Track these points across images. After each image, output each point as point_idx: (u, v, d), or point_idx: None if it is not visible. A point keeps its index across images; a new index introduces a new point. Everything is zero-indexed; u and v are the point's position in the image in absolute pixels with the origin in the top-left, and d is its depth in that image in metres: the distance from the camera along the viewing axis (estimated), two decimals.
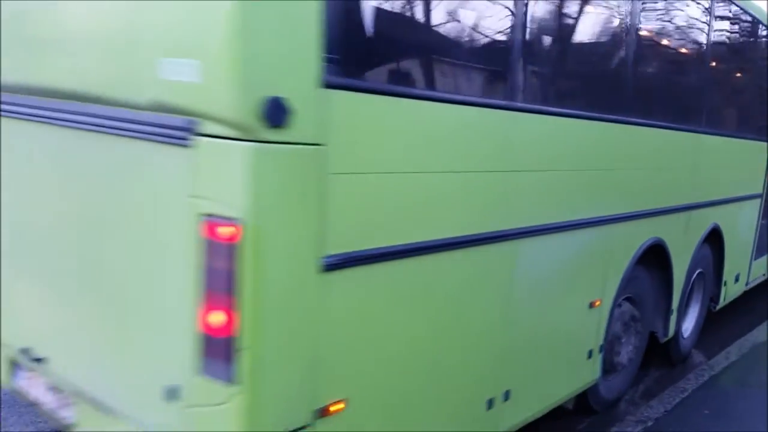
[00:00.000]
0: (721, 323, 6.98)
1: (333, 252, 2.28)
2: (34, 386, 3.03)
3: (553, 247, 3.64)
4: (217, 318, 2.10)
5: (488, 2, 3.00)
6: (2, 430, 3.94)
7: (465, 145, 2.86)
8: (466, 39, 3.03)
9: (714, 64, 5.61)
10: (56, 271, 2.82)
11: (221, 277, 2.08)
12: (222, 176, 2.06)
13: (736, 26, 6.05)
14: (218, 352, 2.13)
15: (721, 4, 5.38)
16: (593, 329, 4.23)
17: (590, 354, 4.24)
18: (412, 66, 2.83)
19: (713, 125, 5.65)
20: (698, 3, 5.01)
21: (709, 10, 5.15)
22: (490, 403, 3.33)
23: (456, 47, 2.96)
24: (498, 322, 3.30)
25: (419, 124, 2.61)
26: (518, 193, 3.22)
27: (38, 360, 2.88)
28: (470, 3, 2.92)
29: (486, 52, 3.09)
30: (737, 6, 5.70)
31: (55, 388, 2.89)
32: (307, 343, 2.28)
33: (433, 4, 2.71)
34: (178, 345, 2.24)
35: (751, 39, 6.50)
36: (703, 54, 5.32)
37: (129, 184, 2.39)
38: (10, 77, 2.85)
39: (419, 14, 2.74)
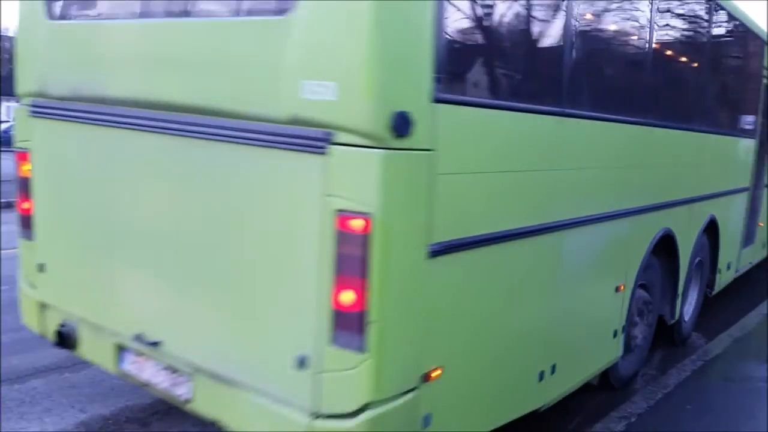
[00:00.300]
0: (717, 308, 7.53)
1: (438, 240, 2.71)
2: (144, 369, 3.40)
3: (589, 236, 4.11)
4: (349, 297, 2.52)
5: (549, 37, 3.55)
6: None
7: (536, 148, 3.39)
8: (537, 60, 3.64)
9: (711, 71, 6.27)
10: (174, 264, 3.19)
11: (353, 262, 2.49)
12: (355, 178, 2.48)
13: (734, 41, 6.80)
14: (350, 325, 2.54)
15: (722, 19, 6.00)
16: (618, 311, 4.70)
17: (615, 334, 4.71)
18: (500, 83, 3.42)
19: (710, 124, 6.28)
20: (703, 23, 5.60)
21: (710, 29, 5.73)
22: (541, 376, 3.77)
23: (530, 66, 3.54)
24: (549, 301, 3.77)
25: (506, 131, 3.13)
26: (568, 189, 3.72)
27: (153, 344, 3.24)
28: (538, 35, 3.53)
29: (551, 70, 3.62)
30: (736, 20, 6.42)
31: (169, 368, 3.26)
32: (417, 318, 2.71)
33: (512, 38, 3.35)
34: (308, 321, 2.64)
35: (744, 50, 7.27)
36: (704, 63, 5.96)
37: (260, 185, 2.76)
38: (124, 92, 3.24)
39: (502, 46, 3.35)
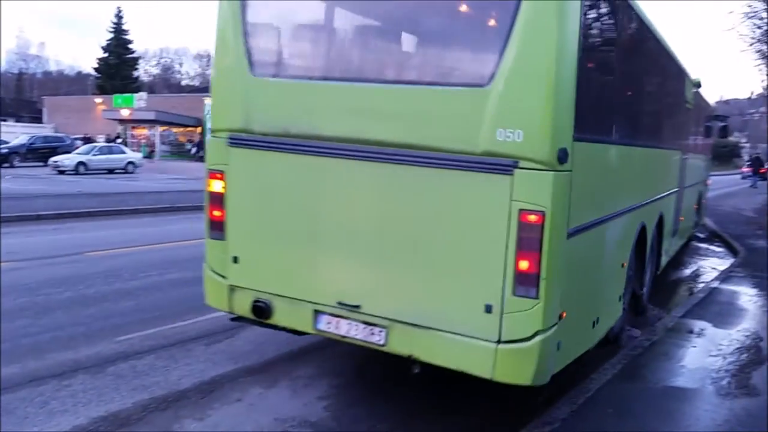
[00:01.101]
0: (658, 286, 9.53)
1: (572, 226, 4.35)
2: (340, 327, 4.73)
3: (618, 225, 5.94)
4: (526, 264, 4.07)
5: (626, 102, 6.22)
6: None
7: (617, 168, 5.82)
8: (621, 115, 5.99)
9: (669, 105, 9.09)
10: (376, 250, 4.54)
11: (531, 241, 4.05)
12: (533, 188, 4.03)
13: (675, 82, 9.45)
14: (528, 282, 4.07)
15: (672, 67, 8.89)
16: (621, 282, 6.47)
17: (620, 298, 6.46)
18: (602, 127, 5.25)
19: (665, 141, 8.58)
20: (663, 72, 8.37)
21: (666, 76, 8.60)
22: (594, 323, 5.44)
23: (617, 118, 5.81)
24: (606, 271, 5.81)
25: (603, 158, 5.23)
26: (620, 192, 6.04)
27: (355, 306, 4.60)
28: (623, 102, 6.11)
29: (628, 120, 6.26)
30: (679, 65, 9.39)
31: (365, 324, 4.61)
32: (561, 277, 4.27)
33: (609, 100, 5.59)
34: (497, 281, 4.13)
35: (680, 86, 10.02)
36: (670, 101, 9.08)
37: (460, 194, 4.23)
38: (335, 132, 4.60)
39: (602, 106, 5.35)
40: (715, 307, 8.43)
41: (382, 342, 4.59)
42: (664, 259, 9.67)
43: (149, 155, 42.67)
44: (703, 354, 6.47)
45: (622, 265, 6.41)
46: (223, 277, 5.17)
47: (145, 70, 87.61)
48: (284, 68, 5.12)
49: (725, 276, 10.63)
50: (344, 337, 4.75)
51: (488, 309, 4.17)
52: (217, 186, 5.10)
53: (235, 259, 5.07)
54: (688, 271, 11.98)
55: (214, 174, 5.11)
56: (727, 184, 42.11)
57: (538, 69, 3.96)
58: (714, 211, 22.05)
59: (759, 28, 18.16)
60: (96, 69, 71.45)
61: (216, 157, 5.10)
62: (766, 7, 17.42)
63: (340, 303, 4.65)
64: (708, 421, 4.97)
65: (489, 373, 4.21)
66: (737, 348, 6.68)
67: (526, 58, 3.97)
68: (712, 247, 15.17)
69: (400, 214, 4.46)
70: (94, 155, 32.22)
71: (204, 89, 70.74)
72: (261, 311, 4.96)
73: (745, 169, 78.80)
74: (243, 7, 4.94)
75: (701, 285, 10.19)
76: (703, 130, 13.35)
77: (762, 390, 5.53)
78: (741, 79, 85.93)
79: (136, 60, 74.52)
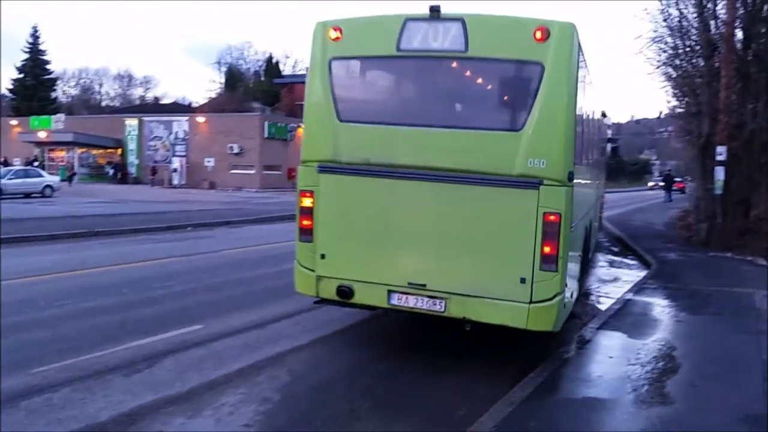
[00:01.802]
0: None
1: (572, 223, 6.44)
2: (408, 301, 6.51)
3: (583, 223, 8.28)
4: (549, 249, 6.06)
5: (594, 138, 8.56)
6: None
7: (588, 183, 8.52)
8: (589, 149, 9.14)
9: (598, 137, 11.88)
10: (436, 243, 6.43)
11: (552, 234, 6.03)
12: (553, 198, 6.04)
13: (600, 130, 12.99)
14: (550, 261, 6.07)
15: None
16: (579, 266, 8.47)
17: (578, 278, 8.54)
18: (582, 155, 7.90)
19: (595, 164, 11.21)
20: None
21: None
22: (572, 294, 7.37)
23: (587, 151, 8.94)
24: (576, 255, 7.88)
25: (583, 173, 8.08)
26: (593, 200, 9.33)
27: (422, 285, 6.40)
28: (590, 142, 8.77)
29: (593, 153, 8.83)
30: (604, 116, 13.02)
31: (429, 297, 6.39)
32: (567, 255, 6.24)
33: (584, 138, 8.14)
34: (529, 260, 6.09)
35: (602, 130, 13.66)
36: (598, 132, 11.61)
37: (501, 204, 6.18)
38: (406, 162, 6.43)
39: (581, 144, 7.59)
40: (629, 318, 8.80)
41: (442, 310, 6.42)
42: (593, 253, 12.36)
43: (68, 178, 41.04)
44: (620, 364, 6.72)
45: (579, 255, 8.12)
46: (312, 270, 6.83)
47: (63, 91, 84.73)
48: (364, 116, 6.79)
49: (639, 288, 11.12)
50: (412, 308, 6.53)
51: (522, 281, 6.12)
52: (307, 202, 6.83)
53: (323, 256, 6.74)
54: (603, 284, 12.43)
55: (305, 193, 6.83)
56: (639, 200, 44.18)
57: (557, 121, 6.04)
58: (627, 225, 23.13)
59: (664, 51, 19.20)
60: (11, 90, 68.73)
61: (307, 180, 6.83)
62: (670, 32, 18.44)
63: (410, 283, 6.45)
64: (625, 430, 5.16)
65: (524, 324, 6.15)
66: (653, 357, 6.97)
67: (547, 114, 5.99)
68: (626, 260, 15.84)
69: (456, 218, 6.37)
70: (10, 179, 30.62)
71: (124, 110, 69.02)
72: (345, 294, 6.64)
73: (651, 184, 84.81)
74: (330, 68, 6.64)
75: (616, 297, 10.58)
76: (602, 150, 16.30)
77: (675, 398, 5.79)
78: (650, 100, 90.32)
79: (54, 81, 72.04)
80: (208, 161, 47.49)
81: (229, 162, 47.01)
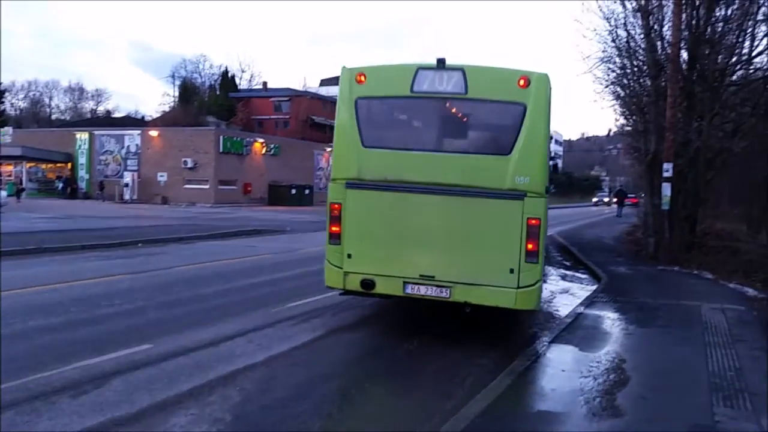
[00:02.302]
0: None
1: (546, 224, 8.28)
2: (420, 290, 8.03)
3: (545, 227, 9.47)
4: (531, 245, 7.73)
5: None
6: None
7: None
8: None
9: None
10: (442, 243, 8.04)
11: (534, 233, 7.70)
12: (534, 207, 7.72)
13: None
14: (533, 255, 7.76)
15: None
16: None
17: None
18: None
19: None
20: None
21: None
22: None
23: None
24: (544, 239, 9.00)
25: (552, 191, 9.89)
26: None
27: (431, 277, 7.95)
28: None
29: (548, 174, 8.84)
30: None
31: (437, 286, 7.96)
32: (544, 250, 8.11)
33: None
34: (516, 255, 7.75)
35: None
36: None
37: (493, 211, 7.84)
38: (417, 179, 8.02)
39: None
40: (581, 331, 8.96)
41: (448, 296, 7.99)
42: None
43: (16, 194, 39.78)
44: (573, 378, 6.82)
45: (547, 249, 10.78)
46: (340, 267, 8.33)
47: (12, 104, 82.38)
48: (383, 143, 8.36)
49: (590, 301, 11.35)
50: (423, 295, 8.09)
51: (511, 271, 7.75)
52: (336, 212, 8.32)
53: (349, 256, 8.28)
54: (556, 297, 12.62)
55: (334, 205, 8.36)
56: (590, 215, 45.11)
57: (536, 148, 7.78)
58: (578, 240, 23.57)
59: (613, 71, 19.75)
60: None
61: (336, 194, 8.38)
62: (618, 53, 18.97)
63: (421, 275, 8.02)
64: None
65: (513, 305, 7.80)
66: (604, 370, 7.09)
67: (529, 143, 7.71)
68: (577, 274, 16.15)
69: (457, 223, 8.01)
70: None
71: (75, 123, 67.47)
72: (368, 285, 8.18)
73: (595, 200, 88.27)
74: (356, 105, 8.22)
75: (568, 310, 10.76)
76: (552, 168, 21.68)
77: (626, 410, 5.89)
78: (600, 118, 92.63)
79: (2, 93, 70.06)
80: (161, 176, 46.67)
81: (183, 177, 46.33)
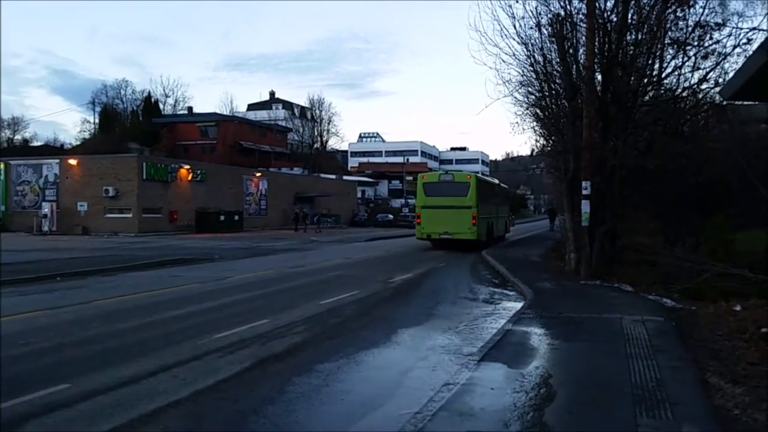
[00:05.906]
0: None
1: (481, 216, 31.48)
2: (443, 238, 30.41)
3: (487, 219, 33.53)
4: (474, 221, 30.66)
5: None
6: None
7: None
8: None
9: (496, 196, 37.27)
10: (450, 224, 29.77)
11: (474, 218, 30.07)
12: (474, 210, 30.12)
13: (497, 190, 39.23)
14: (474, 224, 30.31)
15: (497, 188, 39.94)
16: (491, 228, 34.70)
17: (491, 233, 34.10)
18: (485, 204, 33.87)
19: (500, 206, 37.54)
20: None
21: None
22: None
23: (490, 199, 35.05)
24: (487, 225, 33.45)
25: (492, 207, 36.14)
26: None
27: (449, 234, 29.86)
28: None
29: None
30: (497, 184, 41.00)
31: (449, 235, 30.00)
32: (479, 225, 30.50)
33: (484, 197, 33.60)
34: (470, 223, 29.66)
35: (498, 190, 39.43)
36: (497, 195, 38.40)
37: (465, 214, 29.72)
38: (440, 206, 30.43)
39: (487, 198, 34.67)
40: (509, 348, 9.09)
41: (452, 238, 29.61)
42: (495, 233, 34.74)
43: None
44: (502, 395, 6.90)
45: (485, 225, 30.95)
46: (422, 233, 30.84)
47: None
48: (428, 204, 30.47)
49: (517, 318, 11.56)
50: (443, 238, 29.93)
51: (470, 229, 29.23)
52: (418, 215, 31.26)
53: (422, 227, 30.54)
54: (485, 316, 12.77)
55: (418, 213, 31.31)
56: (517, 232, 46.18)
57: (472, 199, 29.40)
58: (506, 257, 24.11)
59: (532, 94, 20.45)
60: None
61: (418, 207, 31.48)
62: (536, 77, 19.64)
63: (445, 232, 29.73)
64: None
65: (474, 238, 29.25)
66: (532, 386, 7.20)
67: (472, 195, 29.51)
68: (505, 291, 16.46)
69: (454, 218, 29.42)
70: None
71: None
72: (428, 237, 30.73)
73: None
74: (423, 186, 30.89)
75: (497, 327, 10.90)
76: (502, 197, 41.43)
77: (554, 426, 5.98)
78: (523, 138, 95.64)
79: None
80: (81, 205, 44.97)
81: (104, 206, 44.75)
